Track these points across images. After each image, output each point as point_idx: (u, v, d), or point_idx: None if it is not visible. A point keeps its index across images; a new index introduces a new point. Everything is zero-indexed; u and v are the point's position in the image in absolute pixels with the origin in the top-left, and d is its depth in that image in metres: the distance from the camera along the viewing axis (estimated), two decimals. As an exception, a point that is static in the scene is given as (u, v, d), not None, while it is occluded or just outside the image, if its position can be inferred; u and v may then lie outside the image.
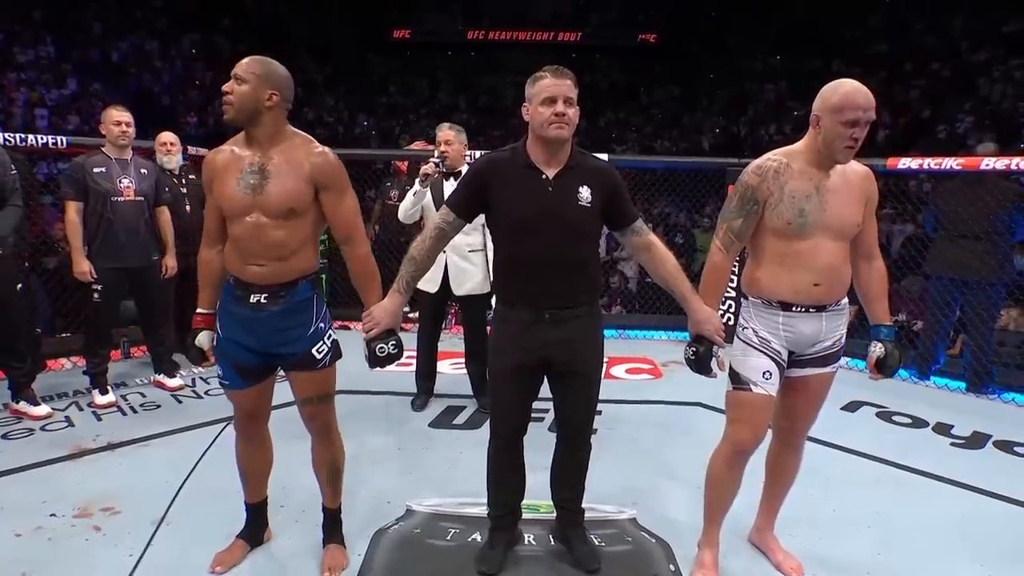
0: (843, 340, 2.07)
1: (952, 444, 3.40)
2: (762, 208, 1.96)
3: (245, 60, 1.90)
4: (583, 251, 2.04)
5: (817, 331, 2.00)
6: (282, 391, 2.14)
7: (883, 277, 2.11)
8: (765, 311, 2.01)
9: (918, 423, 3.67)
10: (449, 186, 3.41)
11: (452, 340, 4.45)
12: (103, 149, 3.60)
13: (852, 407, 3.86)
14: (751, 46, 19.86)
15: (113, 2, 16.49)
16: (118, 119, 3.52)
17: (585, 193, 1.98)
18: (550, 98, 1.90)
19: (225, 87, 1.87)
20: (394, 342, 1.98)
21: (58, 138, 4.03)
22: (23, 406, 3.45)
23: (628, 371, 4.39)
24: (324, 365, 2.07)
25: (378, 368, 1.99)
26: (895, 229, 7.94)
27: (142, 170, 3.66)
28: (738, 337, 2.08)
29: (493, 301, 2.20)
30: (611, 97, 20.06)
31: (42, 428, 3.34)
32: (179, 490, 2.70)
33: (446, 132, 3.44)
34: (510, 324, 2.06)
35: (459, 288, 3.45)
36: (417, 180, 3.38)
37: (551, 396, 2.17)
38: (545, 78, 1.93)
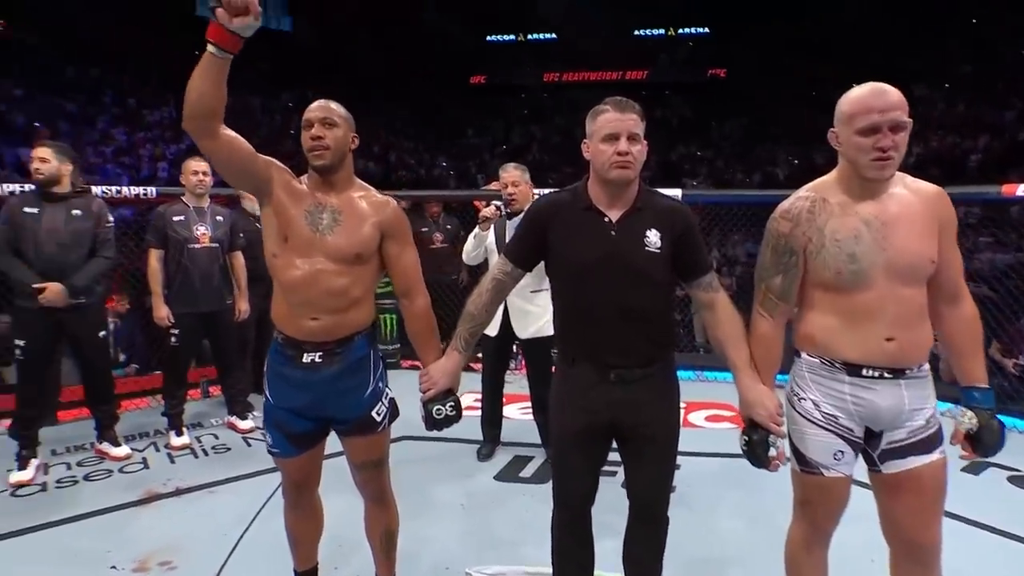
0: (938, 415, 1.60)
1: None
2: (802, 259, 1.58)
3: (328, 104, 1.78)
4: (652, 302, 1.73)
5: (898, 404, 1.54)
6: (335, 440, 1.93)
7: (974, 324, 1.61)
8: (826, 376, 1.59)
9: (1060, 490, 3.00)
10: (511, 226, 3.19)
11: (521, 382, 4.14)
12: (183, 198, 3.60)
13: (975, 468, 3.17)
14: (824, 74, 18.96)
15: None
16: (196, 169, 3.52)
17: (653, 237, 1.68)
18: (612, 135, 1.64)
19: (316, 132, 1.73)
20: (452, 403, 1.77)
21: (148, 189, 4.09)
22: (106, 446, 3.42)
23: (708, 419, 3.96)
24: (383, 428, 1.88)
25: (435, 430, 1.78)
26: (997, 259, 7.11)
27: (218, 217, 3.64)
28: (793, 407, 1.66)
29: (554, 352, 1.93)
30: (681, 131, 19.58)
31: (120, 470, 3.29)
32: (238, 542, 2.53)
33: (511, 172, 3.23)
34: (572, 382, 1.78)
35: (523, 331, 3.19)
36: (478, 224, 3.22)
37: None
38: (606, 112, 1.67)
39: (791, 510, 1.74)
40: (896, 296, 1.50)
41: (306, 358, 1.77)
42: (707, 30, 22.57)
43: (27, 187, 3.27)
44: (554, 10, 20.85)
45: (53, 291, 3.05)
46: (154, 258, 3.50)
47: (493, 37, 22.54)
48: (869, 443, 1.60)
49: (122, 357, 5.06)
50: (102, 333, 3.34)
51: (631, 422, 1.73)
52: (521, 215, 3.20)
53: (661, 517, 1.84)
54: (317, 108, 1.76)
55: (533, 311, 3.15)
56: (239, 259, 3.79)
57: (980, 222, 6.59)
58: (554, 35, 22.35)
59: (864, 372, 1.54)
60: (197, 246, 3.51)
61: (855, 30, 17.92)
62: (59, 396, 3.86)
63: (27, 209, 3.11)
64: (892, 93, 1.46)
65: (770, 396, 1.63)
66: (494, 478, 3.15)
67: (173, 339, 3.50)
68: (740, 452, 1.67)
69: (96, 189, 3.92)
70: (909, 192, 1.55)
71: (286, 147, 16.71)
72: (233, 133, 1.65)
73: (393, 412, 1.92)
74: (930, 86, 16.17)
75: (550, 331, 3.13)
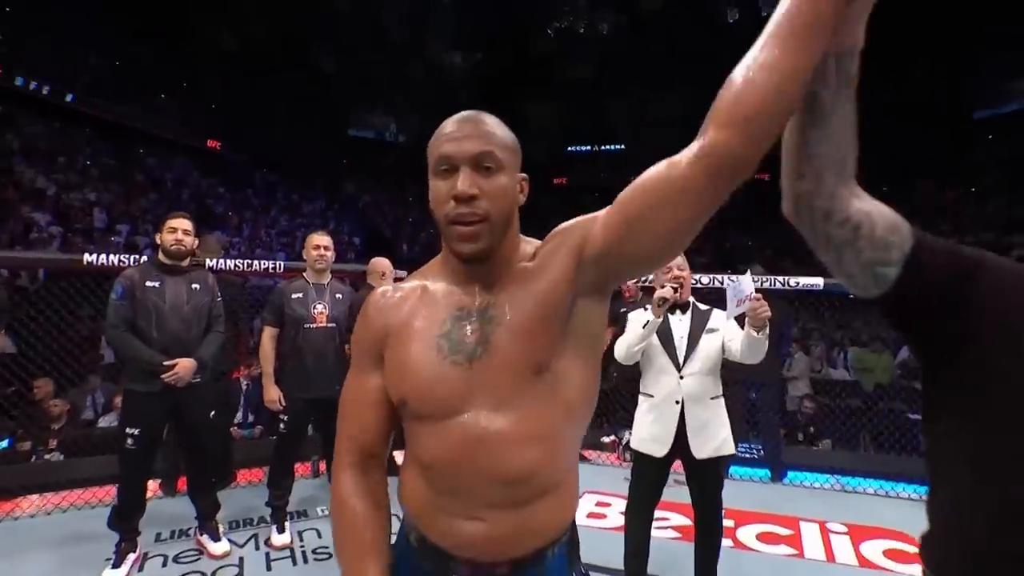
0: None
1: None
2: None
3: (480, 124, 0.75)
4: None
5: None
6: None
7: None
8: None
9: None
10: (676, 320, 2.04)
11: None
12: (304, 274, 2.69)
13: None
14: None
15: (365, 169, 18.07)
16: (318, 243, 2.62)
17: None
18: None
19: (464, 188, 0.72)
20: None
21: (277, 263, 3.29)
22: (205, 540, 2.46)
23: (888, 554, 2.51)
24: None
25: None
26: None
27: (337, 295, 2.68)
28: None
29: None
30: (735, 222, 18.09)
31: (214, 573, 2.29)
32: None
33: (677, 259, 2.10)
34: None
35: (701, 449, 1.93)
36: (651, 307, 1.99)
37: None
38: None
39: None
40: None
41: None
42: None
43: (141, 259, 2.51)
44: (623, 127, 20.24)
45: (184, 367, 2.24)
46: (267, 336, 2.59)
47: (572, 148, 22.15)
48: None
49: (250, 418, 4.24)
50: (213, 412, 2.44)
51: None
52: (686, 307, 2.09)
53: None
54: (460, 136, 0.73)
55: (713, 422, 1.96)
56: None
57: None
58: (623, 146, 21.69)
59: None
60: (313, 326, 2.57)
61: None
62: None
63: (149, 283, 2.31)
64: None
65: None
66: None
67: (281, 425, 2.54)
68: None
69: (230, 262, 3.18)
70: None
71: (404, 231, 16.65)
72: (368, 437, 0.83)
73: None
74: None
75: (728, 450, 1.95)
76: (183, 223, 2.38)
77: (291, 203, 16.24)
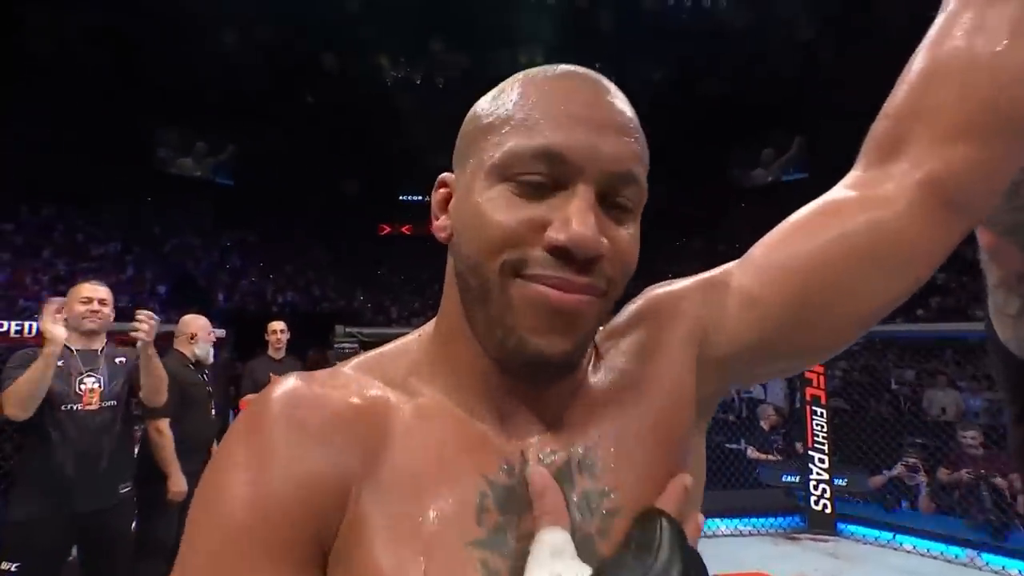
0: None
1: None
2: None
3: (620, 96, 0.37)
4: None
5: None
6: None
7: None
8: None
9: None
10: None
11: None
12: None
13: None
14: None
15: (174, 207, 15.59)
16: (88, 295, 1.85)
17: None
18: None
19: (591, 233, 0.33)
20: None
21: (24, 323, 2.32)
22: None
23: None
24: None
25: None
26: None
27: (117, 359, 1.91)
28: None
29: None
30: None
31: None
32: None
33: None
34: None
35: None
36: None
37: None
38: None
39: None
40: None
41: None
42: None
43: None
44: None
45: None
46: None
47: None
48: None
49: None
50: None
51: None
52: None
53: None
54: (592, 121, 0.35)
55: None
56: (161, 430, 2.06)
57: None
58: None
59: None
60: (79, 408, 1.79)
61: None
62: None
63: None
64: None
65: None
66: None
67: (12, 567, 1.65)
68: None
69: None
70: None
71: (221, 279, 14.49)
72: None
73: None
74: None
75: None
76: None
77: (74, 243, 13.26)
